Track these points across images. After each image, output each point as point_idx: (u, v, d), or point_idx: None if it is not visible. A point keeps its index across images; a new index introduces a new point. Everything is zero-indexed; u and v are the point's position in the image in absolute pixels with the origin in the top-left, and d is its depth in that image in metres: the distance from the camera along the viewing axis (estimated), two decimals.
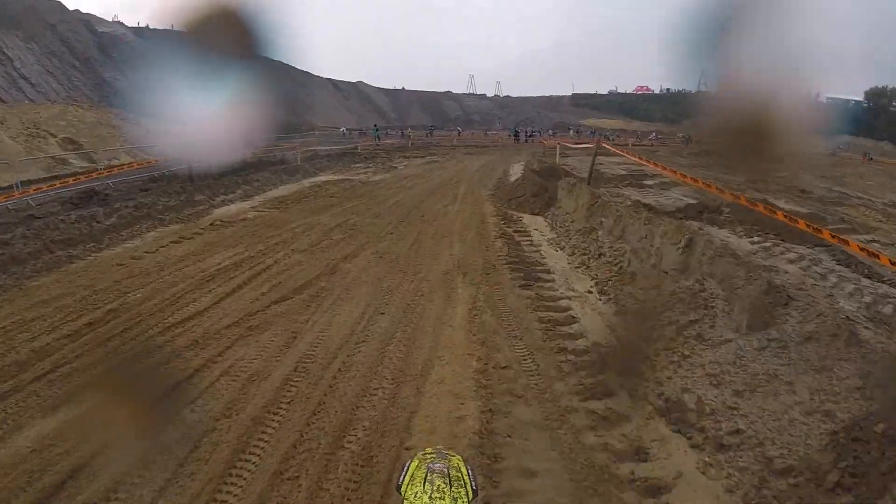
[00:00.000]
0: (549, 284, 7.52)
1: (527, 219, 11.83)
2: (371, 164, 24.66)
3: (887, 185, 25.63)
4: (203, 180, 16.06)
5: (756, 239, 9.59)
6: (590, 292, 7.36)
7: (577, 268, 8.43)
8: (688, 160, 32.28)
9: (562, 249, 9.45)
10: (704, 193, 14.17)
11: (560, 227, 10.77)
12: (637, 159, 15.58)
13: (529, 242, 9.76)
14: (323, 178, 19.63)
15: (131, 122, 37.75)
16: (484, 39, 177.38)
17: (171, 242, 9.97)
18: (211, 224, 11.46)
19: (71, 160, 25.05)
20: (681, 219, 10.20)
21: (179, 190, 14.18)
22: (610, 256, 8.25)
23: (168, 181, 16.44)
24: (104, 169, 19.24)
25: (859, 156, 57.61)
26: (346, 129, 66.77)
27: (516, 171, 21.94)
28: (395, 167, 23.41)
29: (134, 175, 17.05)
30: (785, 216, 9.15)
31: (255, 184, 17.04)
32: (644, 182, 16.53)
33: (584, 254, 8.91)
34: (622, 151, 17.85)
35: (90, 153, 26.08)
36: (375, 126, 50.01)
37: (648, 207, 10.84)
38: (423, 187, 16.36)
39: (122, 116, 39.15)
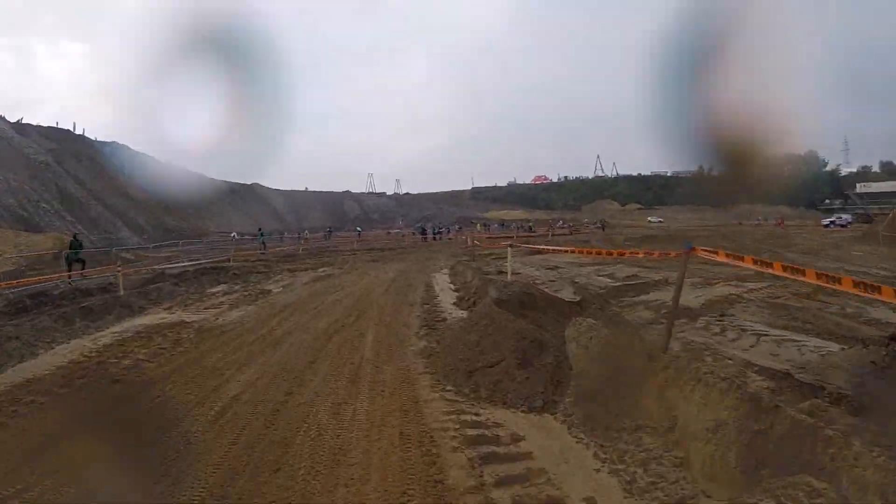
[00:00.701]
0: None
1: (531, 439, 4.91)
2: (236, 287, 17.20)
3: (878, 255, 21.54)
4: None
5: None
6: None
7: None
8: (623, 244, 27.45)
9: None
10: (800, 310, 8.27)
11: (658, 482, 3.99)
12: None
13: None
14: (146, 320, 12.00)
15: None
16: (382, 139, 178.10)
17: None
18: None
19: None
20: None
21: None
22: None
23: None
24: None
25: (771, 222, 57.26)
26: (238, 234, 59.33)
27: (443, 285, 15.49)
28: (269, 291, 16.03)
29: None
30: None
31: (11, 345, 9.57)
32: (659, 297, 10.46)
33: None
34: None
35: None
36: (260, 231, 42.65)
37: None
38: (301, 340, 9.09)
39: None
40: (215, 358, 8.16)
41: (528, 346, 6.50)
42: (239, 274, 20.56)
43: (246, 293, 15.58)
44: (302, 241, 45.16)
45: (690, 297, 10.38)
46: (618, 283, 11.68)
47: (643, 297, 10.60)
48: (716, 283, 11.99)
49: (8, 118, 70.24)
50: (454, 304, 12.28)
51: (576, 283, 12.12)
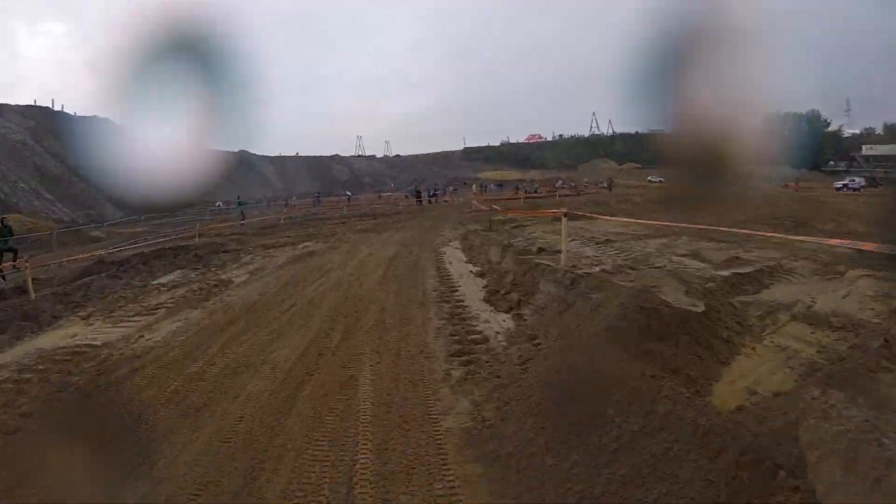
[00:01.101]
0: None
1: None
2: (192, 275, 13.41)
3: None
4: None
5: None
6: None
7: None
8: (651, 208, 23.51)
9: None
10: None
11: None
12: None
13: None
14: (48, 342, 8.21)
15: None
16: (370, 101, 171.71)
17: None
18: None
19: None
20: None
21: None
22: None
23: None
24: None
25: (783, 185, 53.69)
26: (222, 204, 55.30)
27: (459, 267, 11.97)
28: (231, 281, 12.22)
29: None
30: None
31: None
32: (792, 295, 6.83)
33: None
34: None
35: None
36: (239, 199, 38.49)
37: None
38: (245, 401, 5.31)
39: None
40: (72, 459, 4.41)
41: (734, 462, 2.82)
42: (202, 255, 16.66)
43: (200, 286, 11.72)
44: (286, 210, 41.14)
45: (836, 300, 6.65)
46: (723, 272, 7.98)
47: (773, 298, 6.84)
48: (843, 270, 8.20)
49: None
50: (485, 300, 8.62)
51: (660, 268, 8.40)
